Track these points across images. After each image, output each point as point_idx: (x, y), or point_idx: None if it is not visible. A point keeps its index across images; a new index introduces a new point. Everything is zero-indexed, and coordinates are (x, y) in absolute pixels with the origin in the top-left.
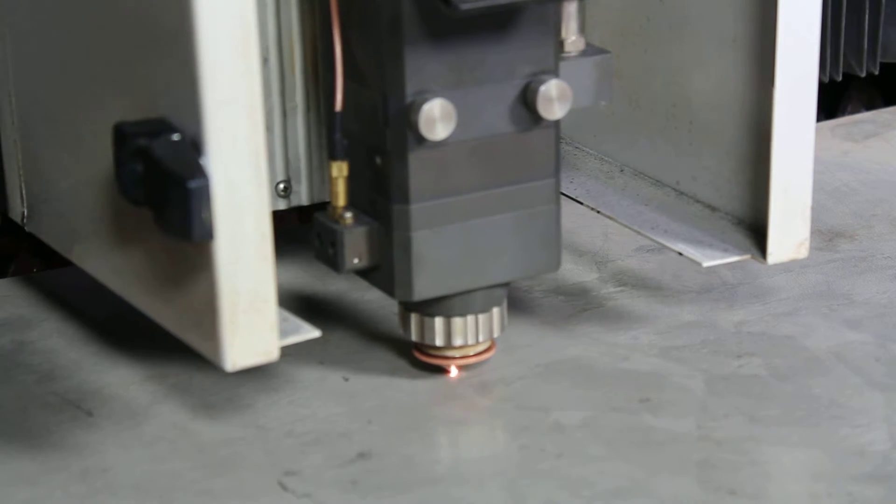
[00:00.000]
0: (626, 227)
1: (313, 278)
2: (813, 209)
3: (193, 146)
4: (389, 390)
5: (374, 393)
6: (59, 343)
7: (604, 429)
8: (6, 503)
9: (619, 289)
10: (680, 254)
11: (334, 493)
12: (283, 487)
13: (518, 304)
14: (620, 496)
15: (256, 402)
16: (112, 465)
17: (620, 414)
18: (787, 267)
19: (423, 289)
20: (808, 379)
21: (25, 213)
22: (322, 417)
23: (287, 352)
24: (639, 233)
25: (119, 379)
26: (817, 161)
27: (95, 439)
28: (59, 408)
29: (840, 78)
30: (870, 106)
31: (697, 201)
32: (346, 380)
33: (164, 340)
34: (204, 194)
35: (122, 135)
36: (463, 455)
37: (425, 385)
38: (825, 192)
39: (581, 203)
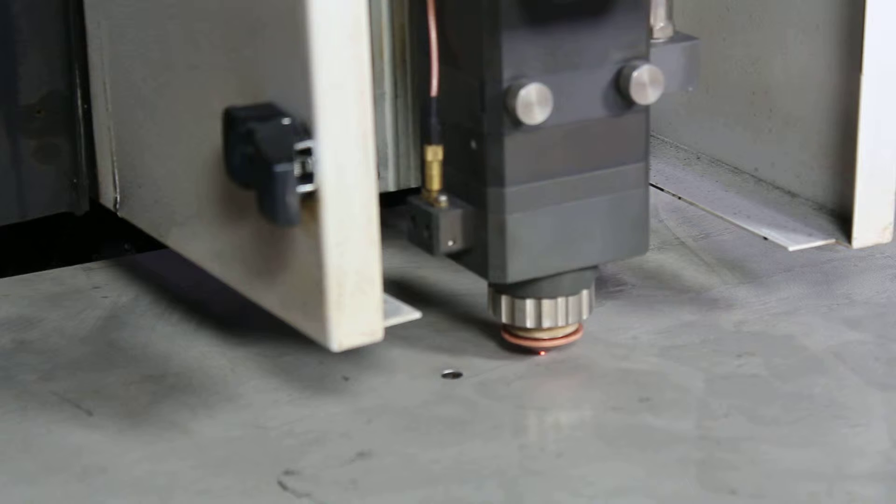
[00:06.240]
0: (708, 212)
1: None
2: None
3: (303, 130)
4: (389, 390)
5: (374, 393)
6: (59, 343)
7: (604, 429)
8: (6, 503)
9: (619, 288)
10: (765, 238)
11: (334, 493)
12: (283, 487)
13: None
14: (620, 496)
15: (256, 402)
16: (112, 465)
17: (620, 414)
18: (787, 266)
19: (516, 271)
20: (808, 379)
21: (118, 199)
22: (322, 417)
23: (287, 351)
24: (722, 218)
25: (119, 379)
26: None
27: (95, 439)
28: (59, 408)
29: None
30: None
31: (777, 187)
32: (346, 379)
33: (163, 340)
34: (288, 179)
35: (232, 119)
36: (463, 455)
37: (425, 385)
38: None
39: (661, 189)
